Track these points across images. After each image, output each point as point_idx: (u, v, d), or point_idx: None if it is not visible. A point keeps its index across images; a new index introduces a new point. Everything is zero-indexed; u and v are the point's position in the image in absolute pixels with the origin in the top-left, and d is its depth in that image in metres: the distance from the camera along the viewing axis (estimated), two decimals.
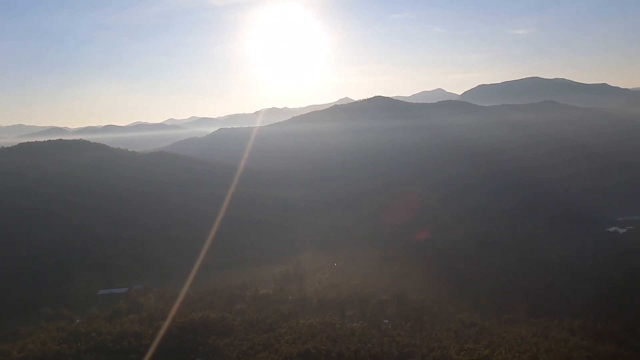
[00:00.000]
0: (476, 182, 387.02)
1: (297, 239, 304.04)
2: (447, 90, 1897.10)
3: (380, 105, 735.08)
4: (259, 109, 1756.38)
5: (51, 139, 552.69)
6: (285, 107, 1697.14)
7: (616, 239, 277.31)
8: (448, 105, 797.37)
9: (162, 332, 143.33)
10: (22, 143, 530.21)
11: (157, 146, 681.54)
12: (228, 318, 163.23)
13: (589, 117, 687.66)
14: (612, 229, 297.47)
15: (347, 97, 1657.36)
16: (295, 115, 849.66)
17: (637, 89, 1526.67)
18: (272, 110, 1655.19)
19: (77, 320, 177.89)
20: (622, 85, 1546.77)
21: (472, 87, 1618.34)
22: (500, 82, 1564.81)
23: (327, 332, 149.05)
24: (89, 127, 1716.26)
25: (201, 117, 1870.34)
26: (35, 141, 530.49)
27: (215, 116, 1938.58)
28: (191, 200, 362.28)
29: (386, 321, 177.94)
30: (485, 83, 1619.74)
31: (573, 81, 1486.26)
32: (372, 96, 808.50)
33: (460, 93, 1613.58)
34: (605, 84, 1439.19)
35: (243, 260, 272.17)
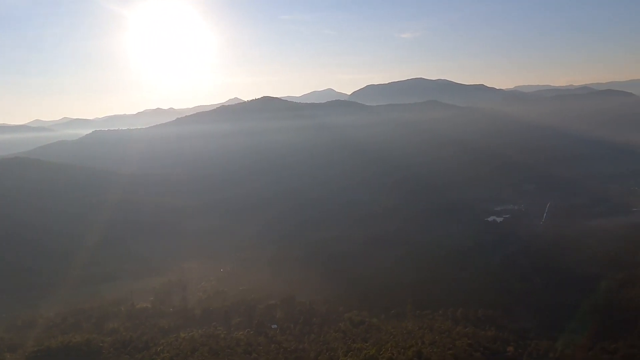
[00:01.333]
0: (366, 179, 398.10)
1: (179, 246, 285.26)
2: (337, 90, 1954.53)
3: (269, 106, 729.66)
4: (142, 110, 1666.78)
5: None
6: (171, 108, 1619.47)
7: (495, 228, 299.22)
8: (338, 105, 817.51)
9: None
10: None
11: (16, 150, 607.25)
12: (95, 340, 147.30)
13: (468, 115, 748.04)
14: (490, 219, 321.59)
15: (236, 98, 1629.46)
16: (180, 117, 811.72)
17: (510, 89, 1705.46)
18: (157, 111, 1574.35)
19: None
20: (497, 86, 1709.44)
21: (361, 87, 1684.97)
22: (387, 82, 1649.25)
23: (209, 344, 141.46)
24: None
25: (74, 118, 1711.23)
26: None
27: (91, 117, 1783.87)
28: (60, 209, 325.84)
29: (274, 326, 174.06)
30: (374, 83, 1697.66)
31: (454, 82, 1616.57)
32: (261, 96, 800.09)
33: (349, 93, 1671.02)
34: (482, 85, 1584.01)
35: (120, 272, 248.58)
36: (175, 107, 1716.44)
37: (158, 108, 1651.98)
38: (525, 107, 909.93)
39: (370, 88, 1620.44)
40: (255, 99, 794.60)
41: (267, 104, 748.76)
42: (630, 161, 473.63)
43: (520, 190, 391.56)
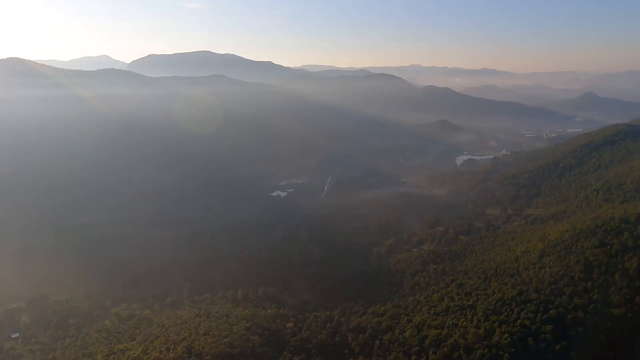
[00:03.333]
0: (142, 157, 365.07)
1: None
2: (114, 58, 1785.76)
3: (18, 70, 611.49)
4: None
5: None
6: None
7: (278, 203, 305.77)
8: (112, 74, 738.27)
9: None
10: None
11: None
12: None
13: (255, 91, 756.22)
14: (275, 194, 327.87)
15: None
16: None
17: (298, 67, 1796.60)
18: None
19: None
20: (285, 63, 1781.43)
21: (142, 56, 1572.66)
22: (172, 53, 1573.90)
23: None
24: None
25: None
26: None
27: None
28: None
29: (15, 335, 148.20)
30: (156, 53, 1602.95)
31: (242, 57, 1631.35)
32: (7, 57, 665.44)
33: (129, 62, 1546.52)
34: (270, 62, 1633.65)
35: None
36: None
37: None
38: (311, 86, 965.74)
39: (152, 58, 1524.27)
40: None
41: (14, 66, 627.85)
42: (398, 137, 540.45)
43: (304, 165, 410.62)
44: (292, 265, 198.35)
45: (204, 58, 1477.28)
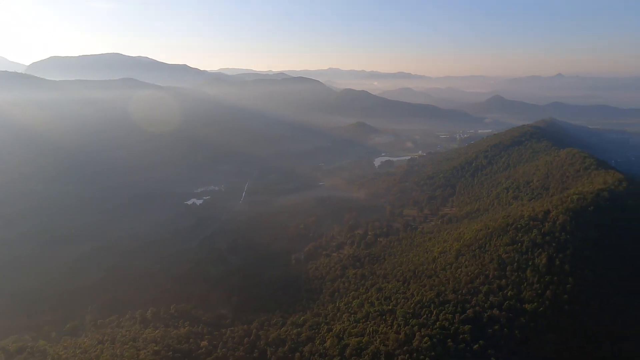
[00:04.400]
0: (41, 167, 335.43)
1: None
2: (10, 60, 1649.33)
3: None
4: None
5: None
6: None
7: (194, 211, 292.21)
8: (7, 77, 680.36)
9: None
10: None
11: None
12: None
13: (169, 96, 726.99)
14: (190, 202, 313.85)
15: None
16: None
17: (215, 71, 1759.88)
18: None
19: None
20: (201, 67, 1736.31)
21: (43, 58, 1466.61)
22: (77, 55, 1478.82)
23: None
24: None
25: None
26: None
27: None
28: None
29: None
30: (59, 55, 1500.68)
31: (155, 60, 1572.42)
32: None
33: (28, 64, 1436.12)
34: (185, 65, 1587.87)
35: None
36: None
37: None
38: (228, 90, 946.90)
39: (54, 60, 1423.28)
40: None
41: None
42: (317, 140, 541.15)
43: (221, 170, 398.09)
44: (208, 277, 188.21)
45: (114, 60, 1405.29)
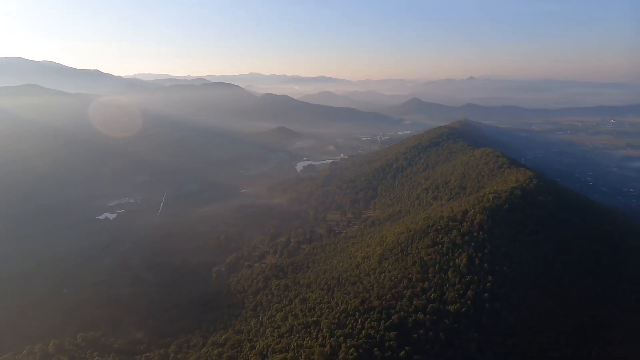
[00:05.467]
0: None
1: None
2: None
3: None
4: None
5: None
6: None
7: (106, 227, 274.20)
8: None
9: None
10: None
11: None
12: None
13: (79, 103, 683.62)
14: (102, 217, 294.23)
15: None
16: None
17: (130, 76, 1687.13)
18: None
19: None
20: (115, 72, 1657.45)
21: None
22: None
23: None
24: None
25: None
26: None
27: None
28: None
29: None
30: None
31: (63, 65, 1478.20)
32: None
33: None
34: (97, 70, 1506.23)
35: None
36: None
37: None
38: (144, 96, 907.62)
39: None
40: None
41: None
42: (238, 147, 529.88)
43: (137, 182, 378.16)
44: (120, 299, 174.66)
45: (14, 65, 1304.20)
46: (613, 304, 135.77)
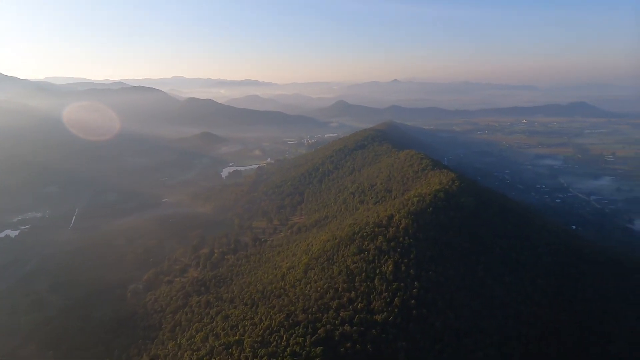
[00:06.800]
0: None
1: None
2: None
3: None
4: None
5: None
6: None
7: (7, 246, 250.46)
8: None
9: None
10: None
11: None
12: None
13: None
14: (2, 234, 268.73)
15: None
16: None
17: (40, 80, 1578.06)
18: None
19: None
20: (21, 74, 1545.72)
21: None
22: None
23: None
24: None
25: None
26: None
27: None
28: None
29: None
30: None
31: None
32: None
33: None
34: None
35: None
36: None
37: None
38: (55, 101, 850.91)
39: None
40: None
41: None
42: (159, 153, 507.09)
43: (45, 194, 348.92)
44: (18, 329, 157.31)
45: None
46: (532, 300, 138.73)
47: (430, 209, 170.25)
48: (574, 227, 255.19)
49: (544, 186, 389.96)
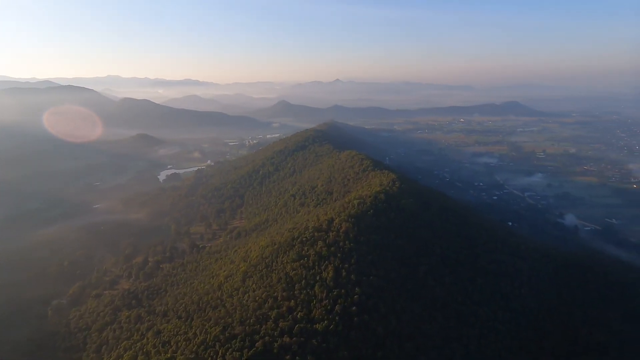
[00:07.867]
0: None
1: None
2: None
3: None
4: None
5: None
6: None
7: None
8: None
9: None
10: None
11: None
12: None
13: None
14: None
15: None
16: None
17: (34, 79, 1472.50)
18: None
19: None
20: None
21: None
22: None
23: None
24: None
25: None
26: None
27: None
28: None
29: None
30: None
31: None
32: None
33: None
34: None
35: None
36: None
37: None
38: None
39: None
40: None
41: None
42: (90, 156, 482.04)
43: None
44: None
45: None
46: (471, 299, 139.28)
47: (371, 211, 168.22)
48: (510, 223, 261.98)
49: (481, 184, 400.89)
